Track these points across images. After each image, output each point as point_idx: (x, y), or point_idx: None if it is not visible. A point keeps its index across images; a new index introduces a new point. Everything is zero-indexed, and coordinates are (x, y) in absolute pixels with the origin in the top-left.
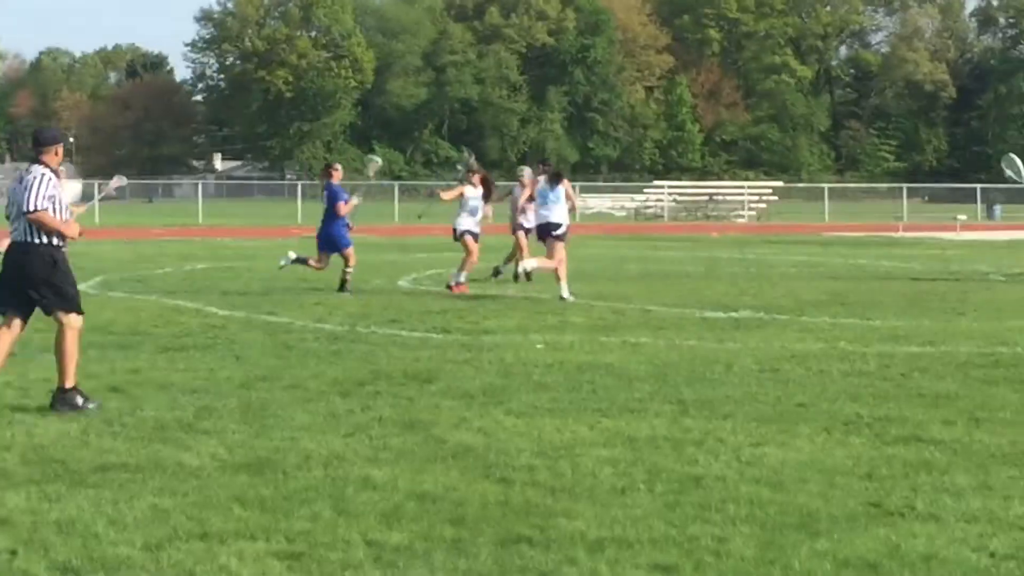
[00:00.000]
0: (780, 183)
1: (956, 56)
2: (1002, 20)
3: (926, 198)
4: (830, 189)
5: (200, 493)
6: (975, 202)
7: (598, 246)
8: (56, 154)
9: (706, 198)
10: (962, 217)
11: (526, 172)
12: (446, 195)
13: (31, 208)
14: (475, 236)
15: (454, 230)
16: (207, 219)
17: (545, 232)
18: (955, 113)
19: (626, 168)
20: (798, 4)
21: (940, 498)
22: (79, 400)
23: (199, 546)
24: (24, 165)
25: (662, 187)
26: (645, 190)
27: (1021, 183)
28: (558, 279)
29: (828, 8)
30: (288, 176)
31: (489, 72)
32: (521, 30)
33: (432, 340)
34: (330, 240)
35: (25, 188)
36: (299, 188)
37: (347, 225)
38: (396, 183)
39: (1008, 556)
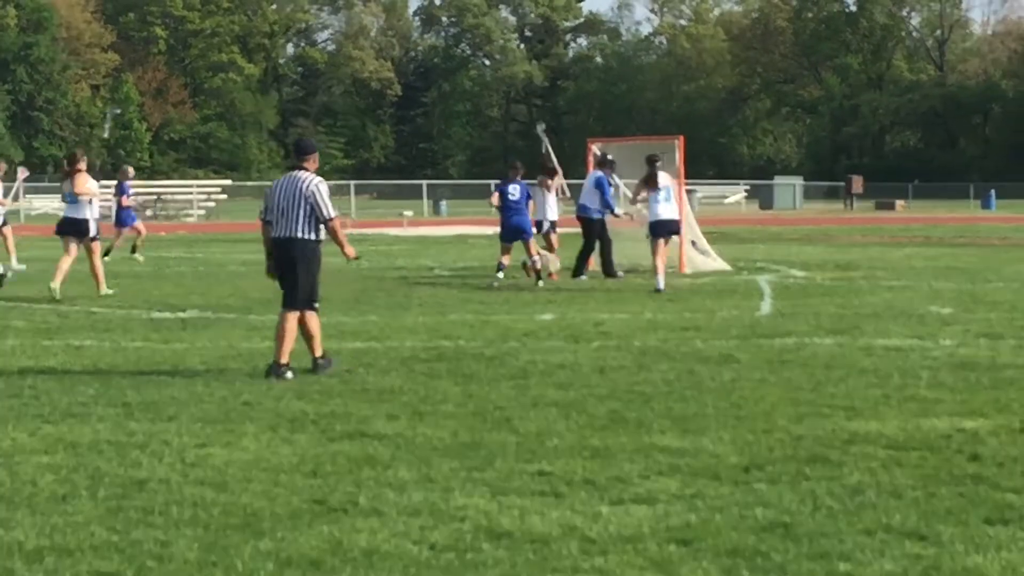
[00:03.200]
0: (229, 181)
1: (401, 54)
2: (445, 19)
3: (375, 195)
4: None
5: None
6: (422, 198)
7: (44, 248)
8: (314, 161)
9: (155, 198)
10: (408, 213)
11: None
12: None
13: (331, 215)
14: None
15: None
16: None
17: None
18: (401, 110)
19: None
20: (244, 2)
21: (383, 492)
22: (288, 374)
23: None
24: None
25: (110, 187)
26: None
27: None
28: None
29: (274, 6)
30: None
31: None
32: None
33: None
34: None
35: (306, 194)
36: None
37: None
38: None
39: (448, 547)
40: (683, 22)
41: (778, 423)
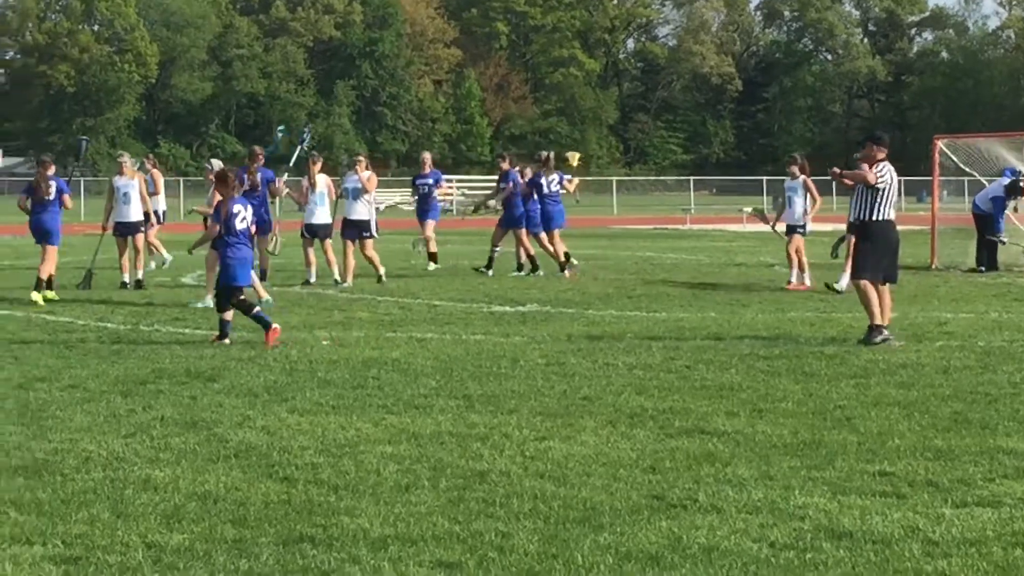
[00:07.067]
0: (568, 176)
1: (742, 49)
2: (787, 13)
3: (714, 190)
4: (618, 182)
5: None
6: (762, 194)
7: (387, 241)
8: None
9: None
10: (748, 209)
11: None
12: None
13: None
14: None
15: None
16: None
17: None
18: (741, 106)
19: (415, 162)
20: None
21: (722, 489)
22: (878, 337)
23: None
24: None
25: (451, 181)
26: None
27: None
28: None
29: (615, 2)
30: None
31: (276, 66)
32: (308, 23)
33: None
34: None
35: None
36: (82, 184)
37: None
38: (182, 179)
39: (787, 546)
40: None
41: None
